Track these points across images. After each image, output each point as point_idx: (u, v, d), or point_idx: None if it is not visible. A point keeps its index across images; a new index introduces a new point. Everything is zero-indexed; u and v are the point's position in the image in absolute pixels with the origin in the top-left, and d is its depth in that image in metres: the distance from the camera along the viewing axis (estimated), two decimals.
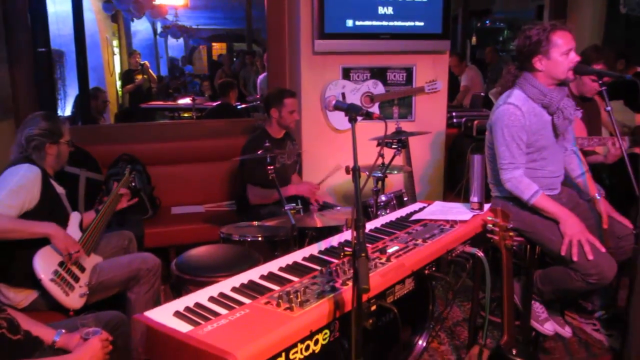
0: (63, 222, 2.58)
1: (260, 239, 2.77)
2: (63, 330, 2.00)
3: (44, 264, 2.34)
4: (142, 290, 2.67)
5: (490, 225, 2.16)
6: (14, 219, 2.34)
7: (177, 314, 1.51)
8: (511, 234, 2.13)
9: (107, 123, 6.24)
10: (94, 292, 2.54)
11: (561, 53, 2.48)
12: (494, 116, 2.59)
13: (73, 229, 2.61)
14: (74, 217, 2.69)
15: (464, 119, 4.65)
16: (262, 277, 1.77)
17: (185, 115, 7.29)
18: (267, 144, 2.90)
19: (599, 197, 2.69)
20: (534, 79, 2.57)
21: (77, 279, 2.46)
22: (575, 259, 2.38)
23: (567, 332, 2.77)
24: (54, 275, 2.34)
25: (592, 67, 2.87)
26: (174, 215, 4.10)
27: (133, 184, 3.14)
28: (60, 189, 2.70)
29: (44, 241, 2.39)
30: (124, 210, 3.00)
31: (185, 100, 7.66)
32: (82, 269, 2.53)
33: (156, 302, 2.72)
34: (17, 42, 4.03)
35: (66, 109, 6.28)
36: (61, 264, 2.41)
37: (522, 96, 2.58)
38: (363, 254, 1.40)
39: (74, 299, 2.40)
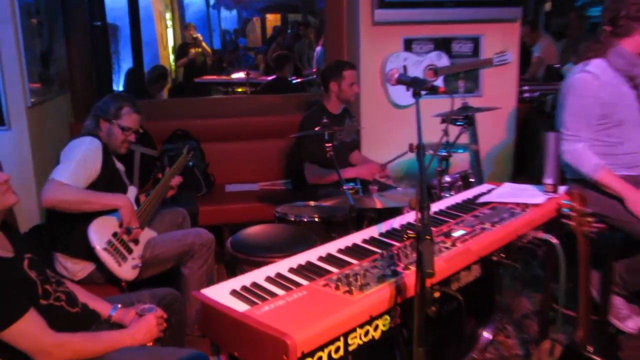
0: (121, 192, 2.69)
1: (316, 219, 2.80)
2: (119, 305, 2.09)
3: (98, 234, 2.46)
4: (196, 266, 2.75)
5: (566, 210, 2.08)
6: (86, 191, 2.47)
7: (234, 293, 1.54)
8: (590, 219, 2.04)
9: (161, 98, 6.42)
10: (148, 266, 2.64)
11: None
12: (567, 83, 2.49)
13: None
14: (131, 192, 2.80)
15: (536, 94, 4.49)
16: (320, 258, 1.77)
17: (239, 90, 7.36)
18: (325, 120, 2.90)
19: None
20: (623, 48, 2.43)
21: (130, 251, 2.57)
22: None
23: None
24: (107, 244, 2.45)
25: None
26: (228, 193, 4.18)
27: (191, 164, 3.22)
28: (120, 165, 2.83)
29: (99, 212, 2.50)
30: (179, 186, 3.10)
31: (239, 75, 7.73)
32: (136, 242, 2.63)
33: (209, 278, 2.80)
34: (73, 16, 4.18)
35: (120, 84, 6.48)
36: (115, 235, 2.52)
37: (603, 65, 2.45)
38: (428, 237, 1.38)
39: (126, 270, 2.51)
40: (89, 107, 2.88)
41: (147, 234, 2.76)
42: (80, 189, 2.45)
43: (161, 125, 4.20)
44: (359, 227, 2.61)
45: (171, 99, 6.46)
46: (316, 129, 2.90)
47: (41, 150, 3.45)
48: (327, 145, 2.77)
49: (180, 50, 8.33)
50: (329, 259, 1.77)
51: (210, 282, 2.80)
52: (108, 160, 2.66)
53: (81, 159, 2.50)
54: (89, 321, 1.99)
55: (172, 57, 9.20)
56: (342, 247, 1.86)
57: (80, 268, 2.56)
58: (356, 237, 1.94)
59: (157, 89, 5.78)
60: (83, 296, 2.06)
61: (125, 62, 6.85)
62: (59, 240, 2.58)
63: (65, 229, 2.55)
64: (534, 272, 3.29)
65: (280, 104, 4.62)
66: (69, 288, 1.98)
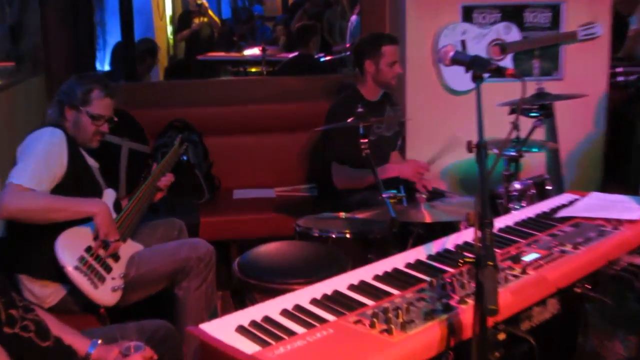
0: (95, 196, 2.72)
1: (348, 236, 2.80)
2: (99, 341, 2.08)
3: (68, 250, 2.48)
4: (193, 285, 2.77)
5: None
6: (52, 196, 2.51)
7: (241, 330, 1.53)
8: None
9: (154, 80, 6.45)
10: (133, 288, 2.66)
11: None
12: None
13: None
14: (108, 195, 2.83)
15: (633, 77, 4.44)
16: (352, 287, 1.76)
17: (253, 70, 7.37)
18: (360, 109, 2.89)
19: None
20: None
21: (108, 269, 2.59)
22: None
23: None
24: (79, 262, 2.47)
25: None
26: (236, 200, 4.20)
27: (185, 158, 3.23)
28: (92, 162, 2.85)
29: (69, 222, 2.52)
30: (174, 191, 3.12)
31: (253, 51, 7.75)
32: (116, 258, 2.65)
33: (210, 303, 2.84)
34: None
35: (106, 62, 6.56)
36: (89, 250, 2.54)
37: None
38: (490, 263, 1.37)
39: (104, 293, 2.53)
40: None
41: (130, 248, 2.78)
42: (44, 194, 2.47)
43: (155, 114, 4.24)
44: (401, 247, 2.67)
45: (167, 81, 6.54)
46: (349, 120, 2.91)
47: (8, 144, 3.48)
48: (362, 141, 2.77)
49: (182, 21, 8.38)
50: (363, 288, 1.76)
51: (211, 308, 2.83)
52: (76, 156, 2.69)
53: (42, 156, 2.53)
54: (63, 359, 2.00)
55: (170, 29, 9.27)
56: (380, 272, 1.85)
57: (50, 292, 2.58)
58: (398, 260, 1.94)
59: (144, 69, 5.84)
60: (56, 328, 2.06)
61: (112, 36, 6.93)
62: (22, 258, 2.60)
63: (28, 244, 2.59)
64: (629, 309, 3.22)
65: (303, 88, 4.64)
66: (39, 316, 1.99)
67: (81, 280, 2.46)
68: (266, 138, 4.42)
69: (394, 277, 1.82)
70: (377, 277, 1.82)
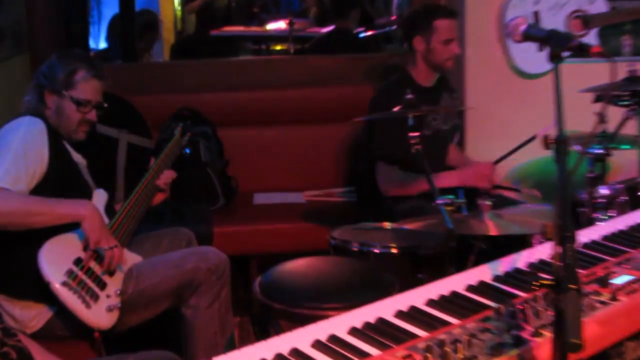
0: (83, 198, 2.74)
1: (394, 251, 2.82)
2: None
3: (54, 262, 2.51)
4: (203, 303, 2.79)
5: None
6: (31, 197, 2.54)
7: None
8: None
9: (159, 59, 6.49)
10: (132, 307, 2.68)
11: None
12: None
13: None
14: (98, 197, 2.86)
15: None
16: (400, 314, 1.75)
17: (278, 48, 7.40)
18: (410, 96, 2.89)
19: None
20: None
21: (102, 285, 2.61)
22: None
23: None
24: (67, 277, 2.49)
25: None
26: (257, 206, 4.23)
27: (187, 151, 3.28)
28: (78, 158, 2.90)
29: (53, 229, 2.55)
30: (182, 195, 3.13)
31: (278, 25, 7.79)
32: (111, 272, 2.68)
33: (225, 325, 2.86)
34: None
35: (101, 38, 6.62)
36: (78, 262, 2.56)
37: None
38: (572, 286, 1.36)
39: (98, 314, 2.54)
40: None
41: (128, 259, 2.81)
42: (20, 195, 2.51)
43: (159, 101, 4.29)
44: (461, 266, 2.61)
45: (174, 62, 6.57)
46: (395, 109, 2.91)
47: None
48: (412, 135, 2.77)
49: None
50: (414, 315, 1.75)
51: (226, 334, 2.85)
52: (60, 150, 2.73)
53: (19, 149, 2.56)
54: None
55: (177, 0, 9.33)
56: (435, 296, 1.84)
57: (33, 315, 2.61)
58: (456, 282, 1.92)
59: (144, 46, 5.89)
60: (42, 356, 2.10)
61: (109, 7, 6.99)
62: None
63: (5, 256, 2.62)
64: None
65: (340, 69, 4.65)
66: (22, 343, 2.01)
67: (70, 299, 2.47)
68: (294, 131, 4.46)
69: (452, 303, 1.81)
70: (430, 303, 1.81)
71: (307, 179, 4.45)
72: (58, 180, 2.67)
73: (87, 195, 2.81)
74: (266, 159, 4.46)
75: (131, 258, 2.85)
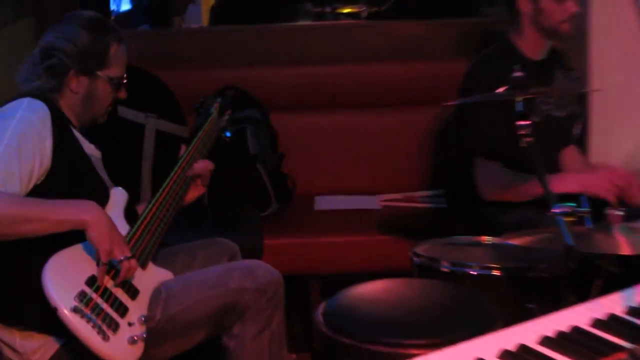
0: (99, 199, 2.67)
1: (496, 273, 2.78)
2: None
3: (62, 282, 2.44)
4: (249, 333, 2.76)
5: None
6: (24, 199, 2.48)
7: None
8: None
9: (195, 24, 6.46)
10: (160, 338, 2.65)
11: None
12: None
13: (114, 217, 2.70)
14: (116, 197, 2.83)
15: None
16: (505, 355, 1.67)
17: (347, 11, 7.38)
18: (518, 73, 2.81)
19: None
20: None
21: (123, 311, 2.55)
22: None
23: None
24: (79, 301, 2.43)
25: None
26: (319, 213, 4.20)
27: (227, 134, 3.26)
28: (91, 149, 2.86)
29: (57, 240, 2.49)
30: (224, 196, 3.05)
31: None
32: (134, 292, 2.63)
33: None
34: None
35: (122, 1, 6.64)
36: (91, 281, 2.51)
37: None
38: None
39: (118, 347, 2.48)
40: None
41: (154, 275, 2.77)
42: (10, 197, 2.45)
43: (196, 78, 4.31)
44: (583, 294, 2.58)
45: (215, 28, 6.57)
46: (499, 90, 2.86)
47: None
48: (520, 123, 2.70)
49: None
50: (523, 356, 1.68)
51: None
52: (67, 139, 2.69)
53: (12, 141, 2.51)
54: None
55: None
56: (550, 333, 1.76)
57: (37, 346, 2.58)
58: (579, 315, 1.85)
59: (177, 8, 5.87)
60: None
61: None
62: None
63: (1, 275, 2.59)
64: None
65: (425, 38, 4.63)
66: None
67: (83, 329, 2.41)
68: (367, 117, 4.44)
69: (573, 341, 1.72)
70: (545, 341, 1.72)
71: (382, 179, 4.43)
72: (65, 178, 2.63)
73: (102, 195, 2.77)
74: (331, 153, 4.43)
75: (159, 275, 2.80)
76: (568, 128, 3.70)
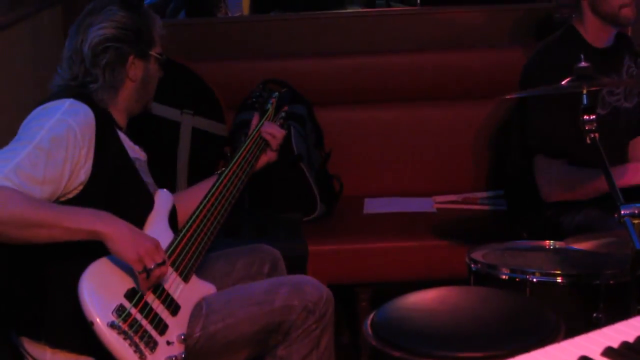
0: (140, 213, 2.69)
1: (559, 280, 2.77)
2: None
3: (99, 294, 2.42)
4: (296, 354, 2.75)
5: None
6: (36, 202, 2.42)
7: None
8: None
9: (235, 13, 6.47)
10: (199, 357, 2.66)
11: None
12: None
13: (157, 225, 2.74)
14: (162, 200, 2.81)
15: None
16: None
17: None
18: (583, 64, 2.78)
19: None
20: None
21: (163, 328, 2.53)
22: None
23: None
24: (116, 316, 2.41)
25: None
26: (368, 216, 4.18)
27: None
28: (136, 151, 2.84)
29: (99, 251, 2.45)
30: (265, 198, 3.03)
31: None
32: (175, 308, 2.61)
33: None
34: None
35: None
36: (131, 295, 2.49)
37: None
38: None
39: None
40: None
41: (195, 289, 2.75)
42: (24, 198, 2.40)
43: (235, 70, 4.31)
44: None
45: (256, 16, 6.59)
46: (563, 82, 2.81)
47: (8, 115, 3.53)
48: (586, 117, 2.67)
49: None
50: None
51: None
52: (111, 144, 2.66)
53: (43, 142, 2.47)
54: None
55: None
56: (615, 344, 1.70)
57: None
58: None
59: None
60: None
61: None
62: (22, 308, 2.60)
63: (30, 282, 2.57)
64: None
65: (484, 25, 4.61)
66: None
67: (120, 346, 2.38)
68: (420, 112, 4.41)
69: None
70: (608, 352, 1.67)
71: (438, 180, 4.41)
72: (104, 188, 2.60)
73: (145, 203, 2.74)
74: (381, 151, 4.40)
75: (202, 289, 2.79)
76: (636, 120, 3.65)
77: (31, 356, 2.58)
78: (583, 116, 2.67)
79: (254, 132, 3.11)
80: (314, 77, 4.33)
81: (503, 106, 4.05)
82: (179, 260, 2.65)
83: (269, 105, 3.30)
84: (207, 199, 2.85)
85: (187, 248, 2.71)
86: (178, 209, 2.90)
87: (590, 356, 1.65)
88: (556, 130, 3.33)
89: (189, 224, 2.76)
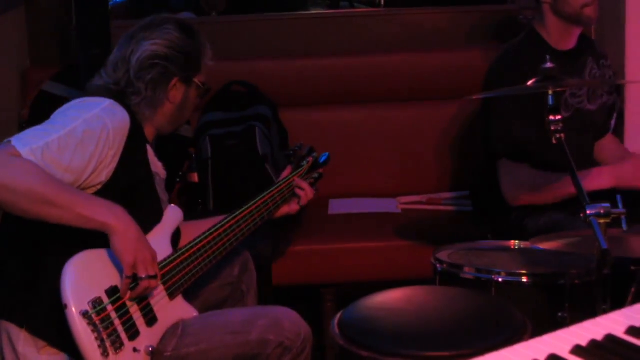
0: (147, 224, 2.71)
1: (524, 280, 2.80)
2: None
3: (81, 282, 2.46)
4: None
5: None
6: (56, 182, 2.44)
7: None
8: None
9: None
10: None
11: None
12: None
13: (160, 237, 2.77)
14: (171, 215, 2.87)
15: None
16: None
17: None
18: (548, 65, 2.84)
19: None
20: None
21: (134, 334, 2.56)
22: None
23: None
24: (91, 306, 2.44)
25: None
26: (333, 217, 4.23)
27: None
28: (158, 167, 2.92)
29: (99, 238, 2.49)
30: (232, 200, 3.08)
31: None
32: (152, 320, 2.64)
33: None
34: None
35: None
36: (112, 292, 2.53)
37: None
38: None
39: None
40: (66, 35, 2.90)
41: (178, 309, 2.79)
42: (46, 175, 2.42)
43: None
44: (617, 301, 2.58)
45: (219, 18, 6.51)
46: (527, 83, 2.88)
47: None
48: (552, 118, 2.74)
49: None
50: None
51: None
52: (138, 153, 2.71)
53: (77, 131, 2.52)
54: None
55: None
56: (583, 342, 1.76)
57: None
58: (614, 323, 1.85)
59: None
60: None
61: None
62: (11, 290, 2.60)
63: (25, 268, 2.58)
64: None
65: (447, 27, 4.64)
66: None
67: (85, 336, 2.41)
68: (384, 112, 4.46)
69: (608, 351, 1.74)
70: (578, 350, 1.73)
71: (402, 181, 4.46)
72: (120, 193, 2.62)
73: (154, 215, 2.79)
74: (346, 152, 4.38)
75: (184, 310, 2.82)
76: (601, 122, 3.71)
77: (10, 344, 2.55)
78: (549, 116, 2.72)
79: (282, 182, 3.15)
80: (279, 79, 4.37)
81: (467, 107, 4.10)
82: (170, 276, 2.69)
83: (305, 163, 3.33)
84: (215, 228, 2.87)
85: (181, 267, 2.74)
86: (182, 231, 2.94)
87: (560, 354, 1.68)
88: (520, 134, 3.37)
89: (190, 245, 2.80)
